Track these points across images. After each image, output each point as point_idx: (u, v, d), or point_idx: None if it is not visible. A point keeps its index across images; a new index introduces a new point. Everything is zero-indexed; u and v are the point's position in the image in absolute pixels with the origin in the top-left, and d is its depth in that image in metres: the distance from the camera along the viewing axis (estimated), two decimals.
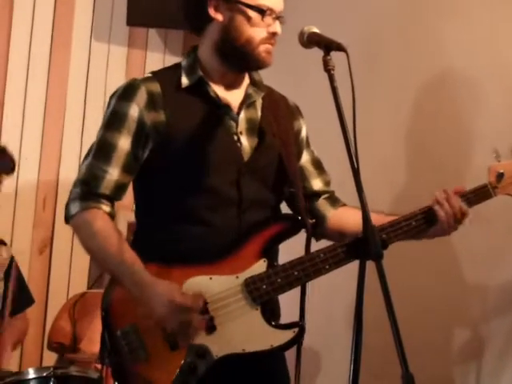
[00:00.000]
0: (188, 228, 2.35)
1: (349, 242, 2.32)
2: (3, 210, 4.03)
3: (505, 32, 3.42)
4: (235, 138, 2.39)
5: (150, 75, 2.45)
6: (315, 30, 2.24)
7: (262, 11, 2.35)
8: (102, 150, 2.35)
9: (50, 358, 4.07)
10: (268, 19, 2.36)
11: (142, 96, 2.35)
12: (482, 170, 2.49)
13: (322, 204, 2.55)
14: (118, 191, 2.35)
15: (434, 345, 3.39)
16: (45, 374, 3.15)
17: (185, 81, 2.41)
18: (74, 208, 2.33)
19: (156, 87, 2.38)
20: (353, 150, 2.04)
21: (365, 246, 2.00)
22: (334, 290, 3.43)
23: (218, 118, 2.39)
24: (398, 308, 1.95)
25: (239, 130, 2.41)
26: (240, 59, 2.40)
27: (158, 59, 4.62)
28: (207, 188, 2.35)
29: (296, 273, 2.30)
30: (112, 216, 2.35)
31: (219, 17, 2.38)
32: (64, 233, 4.32)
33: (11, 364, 3.87)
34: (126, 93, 2.38)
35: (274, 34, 2.37)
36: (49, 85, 4.37)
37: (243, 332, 2.29)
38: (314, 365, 3.84)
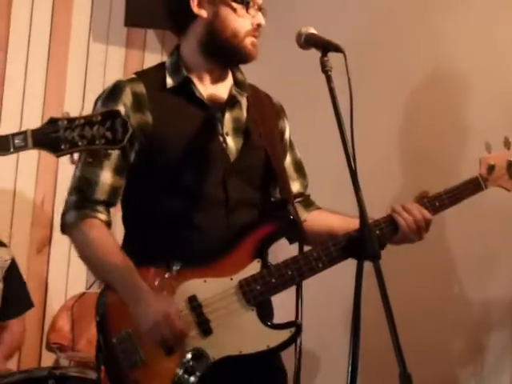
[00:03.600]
0: (177, 231, 2.35)
1: (343, 239, 2.33)
2: (1, 209, 4.03)
3: (498, 28, 3.44)
4: (221, 138, 2.39)
5: (134, 76, 2.45)
6: (313, 30, 2.25)
7: (246, 2, 2.35)
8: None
9: (49, 359, 4.08)
10: (252, 11, 2.36)
11: (127, 97, 2.36)
12: (476, 165, 2.50)
13: (297, 208, 2.49)
14: (113, 195, 2.36)
15: (432, 345, 3.40)
16: (44, 374, 3.15)
17: (169, 81, 2.41)
18: (70, 217, 2.35)
19: (140, 88, 2.38)
20: (350, 150, 2.05)
21: (362, 246, 2.01)
22: (331, 289, 3.43)
23: (203, 119, 2.38)
24: (395, 308, 1.97)
25: (225, 130, 2.40)
26: (226, 54, 2.40)
27: (155, 60, 4.57)
28: (194, 190, 2.35)
29: (290, 272, 2.31)
30: (108, 223, 2.35)
31: (203, 13, 2.38)
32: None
33: (9, 364, 3.89)
34: (112, 94, 2.37)
35: (258, 26, 2.38)
36: (47, 85, 4.36)
37: (239, 334, 2.29)
38: (311, 365, 3.85)
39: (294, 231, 2.38)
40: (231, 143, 2.41)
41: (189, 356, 2.26)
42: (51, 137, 1.98)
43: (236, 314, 2.30)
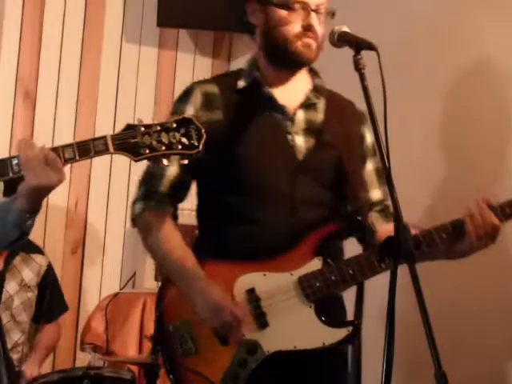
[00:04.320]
0: (241, 226, 2.40)
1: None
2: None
3: None
4: (289, 137, 2.42)
5: (209, 78, 2.58)
6: (346, 29, 2.23)
7: (289, 7, 2.37)
8: None
9: (83, 359, 4.12)
10: (300, 13, 2.37)
11: (196, 97, 2.45)
12: None
13: (374, 216, 2.52)
14: (178, 189, 2.45)
15: (468, 343, 3.36)
16: (79, 374, 3.18)
17: (241, 83, 2.47)
18: (137, 208, 2.45)
19: (213, 88, 2.46)
20: (384, 149, 2.04)
21: (396, 246, 2.01)
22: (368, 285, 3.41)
23: (272, 118, 2.43)
24: (430, 306, 1.95)
25: (294, 129, 2.43)
26: (282, 58, 2.43)
27: (188, 59, 4.64)
28: (258, 187, 2.39)
29: (351, 271, 2.31)
30: (173, 215, 2.45)
31: (256, 22, 2.44)
32: (96, 234, 4.38)
33: (45, 365, 3.92)
34: (183, 96, 2.49)
35: (309, 27, 2.37)
36: (80, 86, 4.40)
37: (295, 329, 2.31)
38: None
39: (359, 233, 2.41)
40: (300, 142, 2.42)
41: (243, 348, 2.28)
42: (130, 142, 2.08)
43: (293, 309, 2.31)
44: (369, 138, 2.53)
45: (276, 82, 2.47)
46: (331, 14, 2.41)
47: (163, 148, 2.07)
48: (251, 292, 2.31)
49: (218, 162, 2.40)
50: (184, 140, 2.08)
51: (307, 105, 2.46)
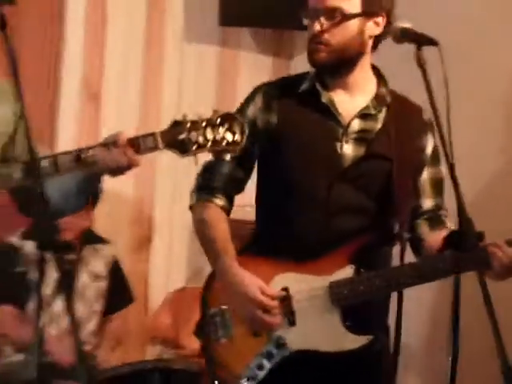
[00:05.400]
0: (282, 227, 2.47)
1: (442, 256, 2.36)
2: (102, 210, 4.11)
3: None
4: (338, 144, 2.45)
5: (275, 80, 2.67)
6: (407, 25, 2.26)
7: (305, 15, 2.46)
8: None
9: (153, 353, 4.14)
10: (313, 20, 2.43)
11: (259, 98, 2.53)
12: None
13: (421, 225, 2.54)
14: (231, 184, 2.53)
15: None
16: (149, 367, 3.23)
17: (303, 86, 2.51)
18: (192, 199, 2.56)
19: (275, 91, 2.53)
20: (448, 144, 2.06)
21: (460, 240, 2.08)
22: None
23: (325, 125, 2.47)
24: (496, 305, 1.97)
25: (345, 138, 2.45)
26: None
27: (250, 58, 4.64)
28: (299, 190, 2.46)
29: (378, 283, 2.37)
30: (223, 208, 2.53)
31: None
32: (163, 230, 4.42)
33: (115, 358, 3.97)
34: (247, 97, 2.58)
35: (311, 34, 2.44)
36: (144, 86, 4.42)
37: (319, 331, 2.39)
38: (413, 366, 3.81)
39: (394, 245, 2.47)
40: (349, 150, 2.45)
41: (271, 342, 2.38)
42: (178, 139, 2.18)
43: (320, 312, 2.39)
44: (430, 147, 2.54)
45: (335, 87, 2.49)
46: (349, 16, 2.39)
47: (209, 144, 2.16)
48: (285, 291, 2.38)
49: (267, 163, 2.51)
50: (228, 135, 2.17)
51: (364, 114, 2.47)
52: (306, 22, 2.46)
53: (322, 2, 2.40)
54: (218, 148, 2.18)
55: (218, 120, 2.18)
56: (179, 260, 4.44)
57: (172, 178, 4.43)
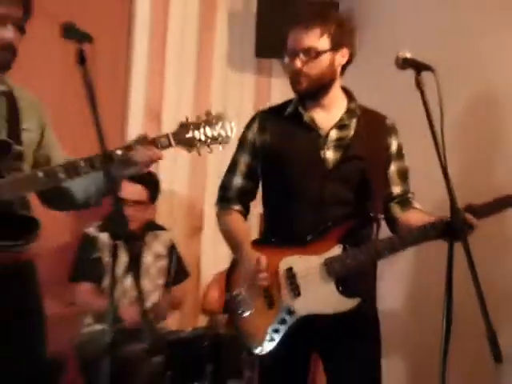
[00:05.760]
0: (283, 220, 2.55)
1: (423, 227, 2.42)
2: (164, 204, 4.14)
3: None
4: (321, 152, 2.51)
5: (268, 107, 2.73)
6: (408, 55, 2.26)
7: (284, 54, 2.53)
8: (231, 166, 2.67)
9: (203, 322, 4.11)
10: (289, 58, 2.51)
11: (256, 124, 2.63)
12: None
13: (393, 207, 2.62)
14: (243, 195, 2.65)
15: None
16: (201, 332, 3.24)
17: (288, 110, 2.59)
18: (216, 208, 2.70)
19: (268, 116, 2.63)
20: (441, 151, 2.08)
21: (452, 227, 2.12)
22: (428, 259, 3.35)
23: (309, 137, 2.54)
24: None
25: (326, 146, 2.51)
26: None
27: (281, 84, 4.51)
28: (297, 191, 2.52)
29: (363, 257, 2.45)
30: (240, 212, 2.65)
31: None
32: (211, 222, 4.35)
33: (174, 324, 4.01)
34: (247, 124, 2.66)
35: (290, 68, 2.53)
36: (196, 107, 4.36)
37: (320, 299, 2.46)
38: (402, 338, 3.74)
39: (373, 225, 2.53)
40: (330, 156, 2.52)
41: (283, 311, 2.47)
42: (185, 137, 2.30)
43: (319, 284, 2.46)
44: (394, 145, 2.60)
45: (315, 107, 2.55)
46: (318, 52, 2.47)
47: (209, 140, 2.31)
48: (290, 270, 2.47)
49: (268, 173, 2.60)
50: (222, 132, 2.31)
51: (339, 125, 2.53)
52: (286, 59, 2.53)
53: (300, 44, 2.48)
54: (216, 143, 2.32)
55: (214, 120, 2.31)
56: (224, 246, 4.39)
57: (218, 179, 4.41)
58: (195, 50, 4.38)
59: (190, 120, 2.31)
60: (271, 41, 4.20)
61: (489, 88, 3.40)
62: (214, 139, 2.31)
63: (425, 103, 2.13)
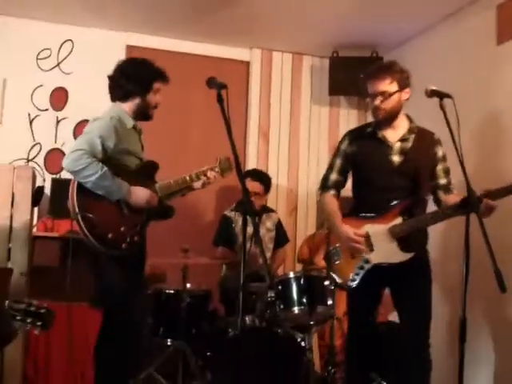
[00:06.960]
0: (364, 202, 2.57)
1: (452, 205, 2.36)
2: (272, 193, 4.06)
3: None
4: (390, 157, 2.52)
5: (355, 127, 2.74)
6: (434, 87, 2.20)
7: (368, 96, 2.49)
8: (330, 166, 2.67)
9: (299, 268, 4.11)
10: (371, 99, 2.49)
11: (346, 140, 2.64)
12: None
13: (439, 193, 2.57)
14: (337, 185, 2.66)
15: None
16: (298, 274, 3.23)
17: (368, 130, 2.59)
18: (319, 192, 2.68)
19: (354, 133, 2.64)
20: (459, 152, 2.06)
21: (467, 203, 2.06)
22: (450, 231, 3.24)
23: (381, 148, 2.54)
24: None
25: (393, 153, 2.52)
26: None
27: (345, 114, 4.51)
28: (374, 183, 2.53)
29: (415, 225, 2.44)
30: (334, 195, 2.64)
31: None
32: (303, 204, 4.39)
33: (280, 271, 3.97)
34: (341, 139, 2.66)
35: (375, 107, 2.48)
36: (291, 132, 4.33)
37: (387, 252, 2.47)
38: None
39: (422, 204, 2.52)
40: (396, 159, 2.53)
41: (363, 260, 2.49)
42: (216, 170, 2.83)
43: (386, 242, 2.47)
44: (440, 152, 2.55)
45: (386, 128, 2.54)
46: (391, 94, 2.44)
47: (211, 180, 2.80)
48: (367, 234, 2.49)
49: (355, 171, 2.60)
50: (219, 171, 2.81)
51: (402, 139, 2.52)
52: (368, 100, 2.50)
53: (377, 88, 2.45)
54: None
55: (217, 166, 2.79)
56: (312, 219, 4.40)
57: (307, 173, 4.39)
58: (289, 91, 4.40)
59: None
60: (339, 83, 4.17)
61: (493, 108, 3.26)
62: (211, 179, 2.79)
63: (447, 121, 2.09)
